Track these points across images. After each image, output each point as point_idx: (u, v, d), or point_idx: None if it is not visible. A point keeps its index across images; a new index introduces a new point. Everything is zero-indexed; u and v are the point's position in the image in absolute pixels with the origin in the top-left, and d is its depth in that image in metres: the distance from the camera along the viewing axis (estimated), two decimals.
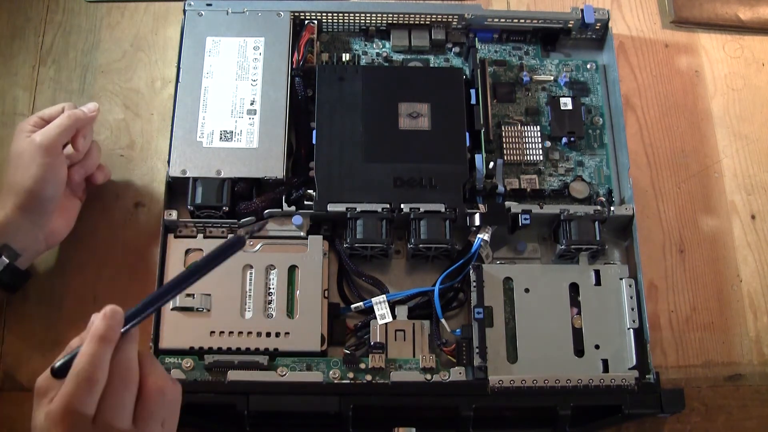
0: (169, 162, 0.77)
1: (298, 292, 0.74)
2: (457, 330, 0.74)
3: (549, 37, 0.88)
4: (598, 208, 0.77)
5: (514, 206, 0.77)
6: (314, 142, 0.78)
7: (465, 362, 0.72)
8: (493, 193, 0.80)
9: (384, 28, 0.87)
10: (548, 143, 0.84)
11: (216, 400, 0.69)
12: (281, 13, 0.84)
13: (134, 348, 0.55)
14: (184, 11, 0.83)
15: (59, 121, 0.71)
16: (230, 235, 0.58)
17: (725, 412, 0.77)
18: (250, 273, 0.75)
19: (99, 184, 0.78)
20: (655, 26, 0.93)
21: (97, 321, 0.53)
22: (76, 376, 0.51)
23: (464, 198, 0.77)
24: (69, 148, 0.73)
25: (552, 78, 0.87)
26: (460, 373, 0.72)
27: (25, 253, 0.71)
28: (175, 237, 0.75)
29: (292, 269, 0.75)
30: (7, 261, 0.70)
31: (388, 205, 0.75)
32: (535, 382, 0.71)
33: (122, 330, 0.54)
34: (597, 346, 0.74)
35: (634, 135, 0.87)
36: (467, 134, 0.79)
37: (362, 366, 0.72)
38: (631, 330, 0.74)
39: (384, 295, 0.75)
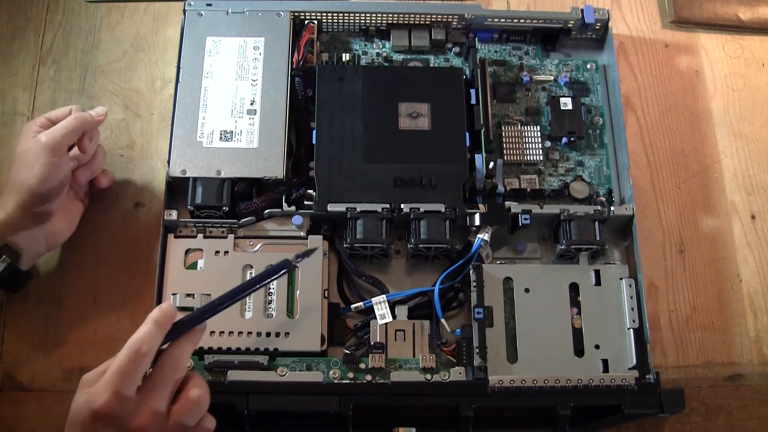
0: (169, 162, 0.77)
1: (298, 292, 0.74)
2: (457, 330, 0.74)
3: (549, 37, 0.88)
4: (598, 208, 0.77)
5: (514, 206, 0.77)
6: (314, 142, 0.78)
7: (465, 362, 0.72)
8: (493, 193, 0.80)
9: (384, 28, 0.87)
10: (548, 143, 0.84)
11: (216, 400, 0.69)
12: (281, 13, 0.84)
13: (189, 349, 0.59)
14: (184, 11, 0.83)
15: (66, 123, 0.71)
16: (280, 260, 0.65)
17: (725, 412, 0.77)
18: (250, 273, 0.75)
19: (103, 187, 0.78)
20: (655, 26, 0.93)
21: (154, 310, 0.58)
22: (127, 348, 0.55)
23: (464, 198, 0.77)
24: (75, 150, 0.73)
25: (552, 78, 0.87)
26: (460, 373, 0.72)
27: (26, 253, 0.71)
28: (175, 237, 0.75)
29: (292, 269, 0.75)
30: (9, 260, 0.70)
31: (388, 205, 0.75)
32: (535, 382, 0.71)
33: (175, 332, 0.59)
34: (597, 346, 0.74)
35: (634, 135, 0.87)
36: (467, 134, 0.79)
37: (362, 366, 0.72)
38: (631, 330, 0.74)
39: (384, 295, 0.75)
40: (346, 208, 0.75)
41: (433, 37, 0.87)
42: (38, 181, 0.69)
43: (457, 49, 0.87)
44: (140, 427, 0.55)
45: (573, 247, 0.75)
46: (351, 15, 0.85)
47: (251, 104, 0.80)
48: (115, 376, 0.54)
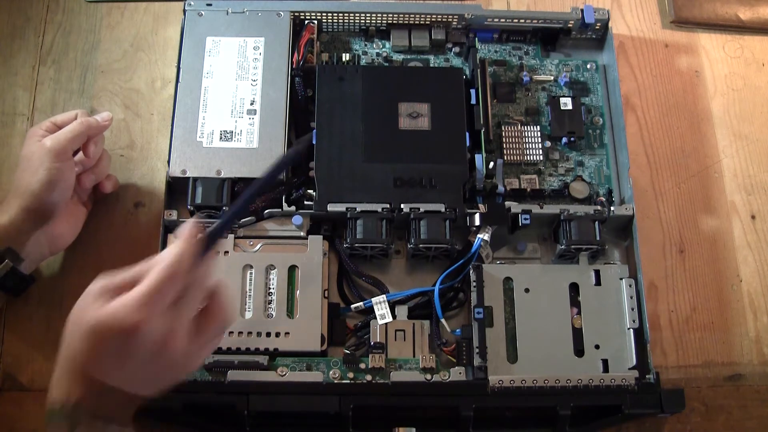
0: (169, 162, 0.77)
1: (298, 292, 0.74)
2: (457, 330, 0.74)
3: (549, 37, 0.88)
4: (598, 208, 0.77)
5: (514, 206, 0.77)
6: (314, 142, 0.78)
7: (465, 362, 0.72)
8: (493, 193, 0.80)
9: (384, 28, 0.87)
10: (548, 143, 0.84)
11: (216, 400, 0.69)
12: (281, 13, 0.84)
13: (213, 260, 0.59)
14: (184, 11, 0.83)
15: (71, 127, 0.71)
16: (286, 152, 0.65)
17: (725, 412, 0.77)
18: (250, 273, 0.75)
19: (107, 192, 0.78)
20: (655, 26, 0.93)
21: (183, 228, 0.57)
22: (163, 266, 0.54)
23: (464, 198, 0.77)
24: (80, 155, 0.73)
25: (552, 78, 0.87)
26: (460, 373, 0.72)
27: (29, 258, 0.71)
28: (175, 237, 0.75)
29: (292, 269, 0.75)
30: (11, 264, 0.70)
31: (388, 205, 0.75)
32: (535, 382, 0.71)
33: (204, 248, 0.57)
34: (597, 346, 0.74)
35: (634, 135, 0.87)
36: (467, 134, 0.79)
37: (362, 366, 0.72)
38: (631, 330, 0.74)
39: (384, 295, 0.75)
40: (346, 208, 0.75)
41: (433, 37, 0.87)
42: (42, 186, 0.69)
43: (457, 49, 0.87)
44: (172, 345, 0.54)
45: (573, 247, 0.75)
46: (351, 15, 0.85)
47: (251, 104, 0.80)
48: (152, 294, 0.53)
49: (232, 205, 0.61)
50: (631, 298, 0.75)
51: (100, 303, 0.54)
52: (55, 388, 0.55)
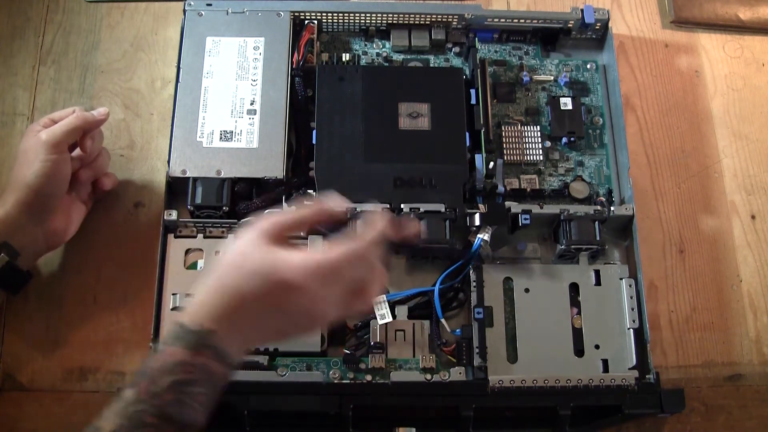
0: (169, 162, 0.77)
1: None
2: (457, 330, 0.74)
3: (549, 37, 0.88)
4: (598, 208, 0.77)
5: (514, 206, 0.77)
6: (314, 142, 0.78)
7: (465, 362, 0.72)
8: (493, 193, 0.80)
9: (384, 28, 0.87)
10: (548, 143, 0.84)
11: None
12: (281, 13, 0.84)
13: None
14: (184, 11, 0.83)
15: (67, 121, 0.71)
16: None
17: (725, 412, 0.77)
18: None
19: (106, 190, 0.78)
20: (655, 26, 0.93)
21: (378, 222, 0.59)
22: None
23: (464, 198, 0.77)
24: (78, 151, 0.73)
25: (552, 78, 0.87)
26: (460, 373, 0.72)
27: (25, 252, 0.71)
28: (175, 237, 0.75)
29: None
30: (7, 259, 0.69)
31: (388, 205, 0.75)
32: (535, 382, 0.71)
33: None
34: (597, 346, 0.74)
35: (634, 135, 0.87)
36: (467, 134, 0.79)
37: (362, 366, 0.72)
38: (631, 330, 0.74)
39: (384, 295, 0.75)
40: (347, 208, 0.75)
41: (433, 37, 0.87)
42: (37, 178, 0.69)
43: (457, 49, 0.87)
44: (346, 312, 0.59)
45: (573, 247, 0.75)
46: (351, 15, 0.85)
47: (251, 104, 0.80)
48: (363, 250, 0.57)
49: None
50: (631, 298, 0.75)
51: (285, 248, 0.56)
52: (201, 311, 0.56)
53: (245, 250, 0.56)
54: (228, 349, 0.57)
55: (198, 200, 0.75)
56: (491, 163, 0.80)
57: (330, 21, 0.86)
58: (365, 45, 0.87)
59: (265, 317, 0.57)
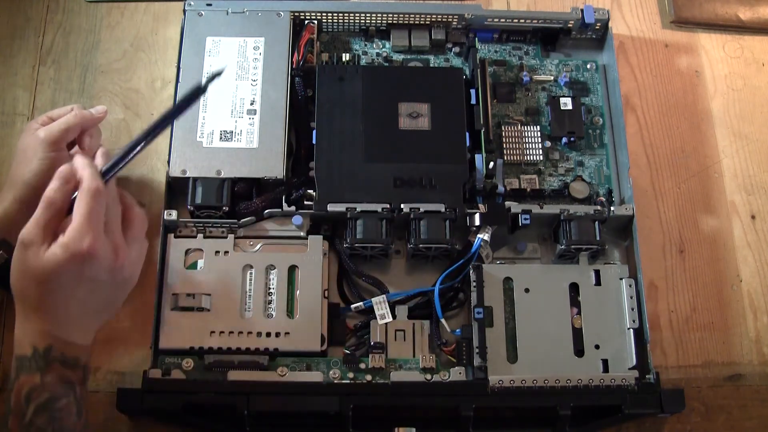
0: (169, 162, 0.77)
1: (298, 292, 0.74)
2: (457, 330, 0.74)
3: (549, 37, 0.88)
4: (598, 208, 0.77)
5: (514, 206, 0.77)
6: (314, 142, 0.78)
7: (465, 362, 0.72)
8: (493, 193, 0.80)
9: (384, 28, 0.87)
10: (548, 143, 0.84)
11: (216, 400, 0.69)
12: (281, 13, 0.84)
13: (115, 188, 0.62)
14: (184, 11, 0.83)
15: (65, 119, 0.71)
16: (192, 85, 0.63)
17: (725, 412, 0.77)
18: (250, 273, 0.75)
19: None
20: (655, 26, 0.93)
21: (86, 173, 0.60)
22: (86, 194, 0.58)
23: (464, 198, 0.77)
24: (77, 149, 0.73)
25: (552, 78, 0.87)
26: (460, 373, 0.72)
27: None
28: (175, 237, 0.75)
29: (292, 269, 0.75)
30: (6, 257, 0.69)
31: (388, 205, 0.75)
32: (535, 382, 0.71)
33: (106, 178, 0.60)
34: (597, 346, 0.74)
35: (634, 135, 0.87)
36: (467, 134, 0.79)
37: (362, 366, 0.72)
38: (631, 330, 0.74)
39: (384, 295, 0.75)
40: (346, 208, 0.75)
41: (433, 37, 0.87)
42: (35, 176, 0.69)
43: (457, 49, 0.87)
44: (122, 256, 0.60)
45: (573, 247, 0.75)
46: (351, 15, 0.85)
47: (251, 104, 0.80)
48: (90, 219, 0.57)
49: (135, 138, 0.62)
50: (631, 298, 0.75)
51: (40, 249, 0.58)
52: (24, 338, 0.59)
53: (24, 267, 0.58)
54: (70, 353, 0.60)
55: (198, 200, 0.75)
56: (491, 163, 0.80)
57: (330, 21, 0.86)
58: (365, 45, 0.87)
59: (87, 296, 0.60)
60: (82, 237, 0.57)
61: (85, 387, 0.62)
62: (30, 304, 0.59)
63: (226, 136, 0.78)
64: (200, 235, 0.75)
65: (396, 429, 0.70)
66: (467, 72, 0.85)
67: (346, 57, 0.86)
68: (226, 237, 0.75)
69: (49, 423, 0.59)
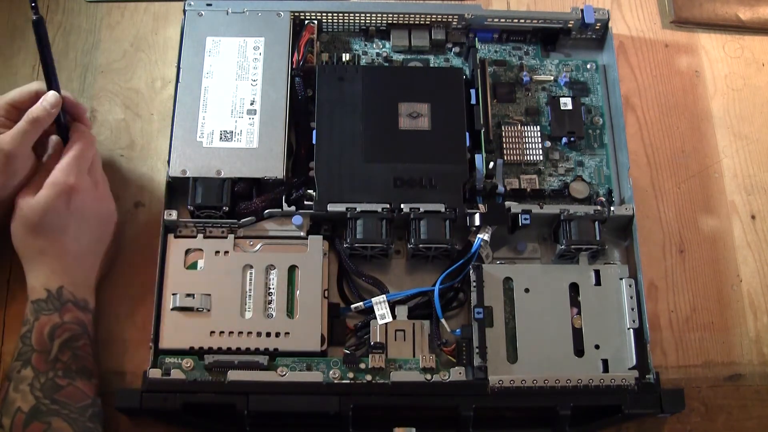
0: (169, 162, 0.77)
1: (298, 292, 0.74)
2: (457, 330, 0.74)
3: (549, 37, 0.88)
4: (598, 208, 0.77)
5: (514, 206, 0.77)
6: (314, 142, 0.78)
7: (465, 362, 0.72)
8: (493, 193, 0.80)
9: (384, 28, 0.87)
10: (548, 143, 0.84)
11: (216, 400, 0.69)
12: (281, 13, 0.84)
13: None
14: (184, 11, 0.83)
15: (21, 126, 0.69)
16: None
17: (725, 412, 0.77)
18: (250, 273, 0.75)
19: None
20: (655, 26, 0.93)
21: (85, 121, 0.74)
22: (79, 143, 0.72)
23: (464, 198, 0.77)
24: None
25: (552, 78, 0.87)
26: (460, 373, 0.72)
27: None
28: (175, 237, 0.75)
29: (292, 269, 0.75)
30: None
31: (388, 205, 0.75)
32: (535, 382, 0.71)
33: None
34: (597, 346, 0.74)
35: (634, 135, 0.87)
36: (467, 134, 0.79)
37: (362, 366, 0.72)
38: (631, 330, 0.74)
39: (384, 295, 0.75)
40: (346, 208, 0.75)
41: (433, 37, 0.87)
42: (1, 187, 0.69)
43: (457, 49, 0.87)
44: (99, 192, 0.73)
45: (573, 247, 0.75)
46: (351, 15, 0.85)
47: (251, 104, 0.80)
48: (78, 161, 0.70)
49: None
50: (631, 298, 0.75)
51: (30, 194, 0.68)
52: (36, 284, 0.69)
53: (21, 218, 0.69)
54: (79, 293, 0.70)
55: (198, 200, 0.75)
56: (491, 163, 0.80)
57: (330, 21, 0.86)
58: (365, 45, 0.87)
59: (83, 230, 0.70)
60: (67, 174, 0.68)
61: (95, 335, 0.71)
62: (33, 252, 0.69)
63: (226, 136, 0.78)
64: (200, 235, 0.76)
65: (396, 429, 0.70)
66: (467, 72, 0.85)
67: (346, 57, 0.86)
68: (226, 237, 0.75)
69: (72, 360, 0.67)
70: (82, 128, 0.72)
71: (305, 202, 0.76)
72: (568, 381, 0.71)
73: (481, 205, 0.77)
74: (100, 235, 0.74)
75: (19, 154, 0.69)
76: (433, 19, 0.86)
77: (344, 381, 0.71)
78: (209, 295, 0.73)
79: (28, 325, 0.68)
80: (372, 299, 0.75)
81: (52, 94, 0.71)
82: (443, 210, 0.75)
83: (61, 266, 0.70)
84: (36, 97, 0.71)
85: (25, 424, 0.64)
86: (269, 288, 0.74)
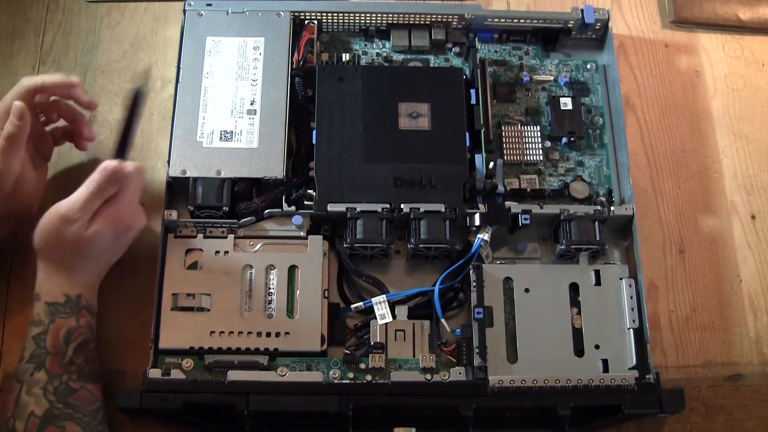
0: (169, 162, 0.77)
1: (298, 292, 0.74)
2: (457, 330, 0.74)
3: (549, 37, 0.88)
4: (598, 208, 0.77)
5: (514, 206, 0.77)
6: (314, 142, 0.78)
7: (465, 362, 0.72)
8: (493, 193, 0.80)
9: (384, 28, 0.87)
10: (548, 143, 0.84)
11: (216, 400, 0.69)
12: (281, 13, 0.84)
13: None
14: (184, 11, 0.83)
15: (48, 75, 0.73)
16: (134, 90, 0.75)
17: (725, 412, 0.77)
18: (250, 273, 0.75)
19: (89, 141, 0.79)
20: (655, 26, 0.93)
21: (133, 164, 0.71)
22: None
23: (464, 198, 0.77)
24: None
25: (552, 78, 0.87)
26: (460, 373, 0.72)
27: None
28: (175, 237, 0.75)
29: (292, 269, 0.75)
30: None
31: (388, 205, 0.75)
32: (535, 382, 0.71)
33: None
34: (597, 346, 0.74)
35: (634, 135, 0.87)
36: (467, 134, 0.79)
37: (362, 366, 0.72)
38: (631, 330, 0.74)
39: (384, 295, 0.75)
40: (346, 208, 0.75)
41: (433, 37, 0.87)
42: None
43: (457, 49, 0.87)
44: (140, 223, 0.73)
45: (573, 247, 0.75)
46: (351, 15, 0.85)
47: (251, 104, 0.80)
48: (136, 199, 0.72)
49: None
50: (631, 298, 0.75)
51: (83, 225, 0.67)
52: (55, 288, 0.69)
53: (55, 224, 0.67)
54: (93, 300, 0.71)
55: (198, 200, 0.75)
56: (491, 163, 0.80)
57: (330, 21, 0.86)
58: (365, 45, 0.87)
59: (111, 242, 0.70)
60: (128, 213, 0.70)
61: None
62: (64, 265, 0.69)
63: (226, 136, 0.78)
64: (200, 235, 0.76)
65: (396, 429, 0.70)
66: (467, 72, 0.85)
67: (346, 57, 0.86)
68: (226, 237, 0.75)
69: (86, 363, 0.68)
70: (137, 166, 0.70)
71: (305, 202, 0.76)
72: (568, 381, 0.71)
73: (481, 205, 0.76)
74: (123, 251, 0.75)
75: (2, 170, 0.68)
76: (433, 19, 0.86)
77: (344, 381, 0.71)
78: (209, 295, 0.73)
79: (42, 326, 0.67)
80: (372, 299, 0.75)
81: (16, 104, 0.69)
82: (443, 210, 0.75)
83: (86, 280, 0.71)
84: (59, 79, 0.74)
85: (39, 429, 0.64)
86: (269, 288, 0.74)
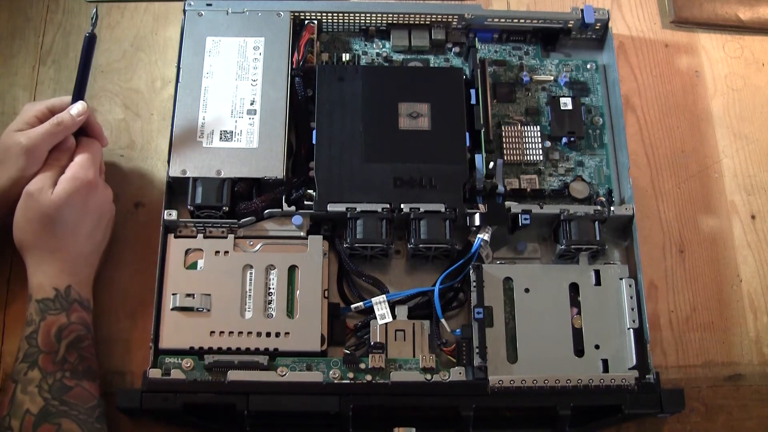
0: (169, 162, 0.77)
1: (298, 292, 0.74)
2: (457, 330, 0.74)
3: (549, 37, 0.88)
4: (598, 208, 0.77)
5: (514, 206, 0.77)
6: (314, 142, 0.78)
7: (465, 362, 0.72)
8: (493, 193, 0.80)
9: (384, 28, 0.87)
10: (548, 143, 0.84)
11: (216, 400, 0.69)
12: (281, 13, 0.84)
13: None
14: (184, 11, 0.83)
15: (46, 128, 0.70)
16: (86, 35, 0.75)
17: (725, 412, 0.77)
18: (250, 273, 0.75)
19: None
20: (655, 26, 0.93)
21: (97, 127, 0.75)
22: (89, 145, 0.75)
23: (464, 198, 0.77)
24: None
25: (552, 78, 0.87)
26: (460, 373, 0.72)
27: None
28: (175, 237, 0.75)
29: (292, 269, 0.75)
30: None
31: (388, 205, 0.75)
32: (535, 382, 0.71)
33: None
34: (597, 346, 0.74)
35: (634, 135, 0.87)
36: (467, 134, 0.79)
37: (362, 366, 0.72)
38: (631, 330, 0.74)
39: (384, 295, 0.75)
40: (346, 208, 0.75)
41: (433, 37, 0.87)
42: (10, 182, 0.70)
43: (457, 49, 0.87)
44: (109, 191, 0.75)
45: (573, 247, 0.75)
46: (351, 15, 0.85)
47: (251, 104, 0.80)
48: (93, 158, 0.72)
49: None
50: (631, 298, 0.75)
51: (49, 190, 0.68)
52: (44, 281, 0.68)
53: (33, 209, 0.68)
54: (84, 293, 0.70)
55: (198, 200, 0.75)
56: (491, 163, 0.80)
57: (330, 21, 0.86)
58: (365, 45, 0.87)
59: (93, 225, 0.71)
60: (86, 169, 0.70)
61: (95, 335, 0.71)
62: (45, 248, 0.68)
63: (226, 136, 0.78)
64: (200, 235, 0.76)
65: (396, 429, 0.70)
66: (467, 72, 0.85)
67: (346, 57, 0.86)
68: (226, 237, 0.75)
69: (79, 362, 0.68)
70: (93, 121, 0.74)
71: (305, 202, 0.76)
72: (568, 381, 0.71)
73: (481, 205, 0.76)
74: (105, 234, 0.75)
75: (35, 151, 0.69)
76: (433, 19, 0.86)
77: (344, 381, 0.71)
78: (209, 295, 0.73)
79: (33, 325, 0.67)
80: (372, 299, 0.75)
81: (80, 104, 0.73)
82: (443, 210, 0.75)
83: (71, 265, 0.70)
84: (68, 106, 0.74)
85: (35, 426, 0.63)
86: (269, 288, 0.74)
